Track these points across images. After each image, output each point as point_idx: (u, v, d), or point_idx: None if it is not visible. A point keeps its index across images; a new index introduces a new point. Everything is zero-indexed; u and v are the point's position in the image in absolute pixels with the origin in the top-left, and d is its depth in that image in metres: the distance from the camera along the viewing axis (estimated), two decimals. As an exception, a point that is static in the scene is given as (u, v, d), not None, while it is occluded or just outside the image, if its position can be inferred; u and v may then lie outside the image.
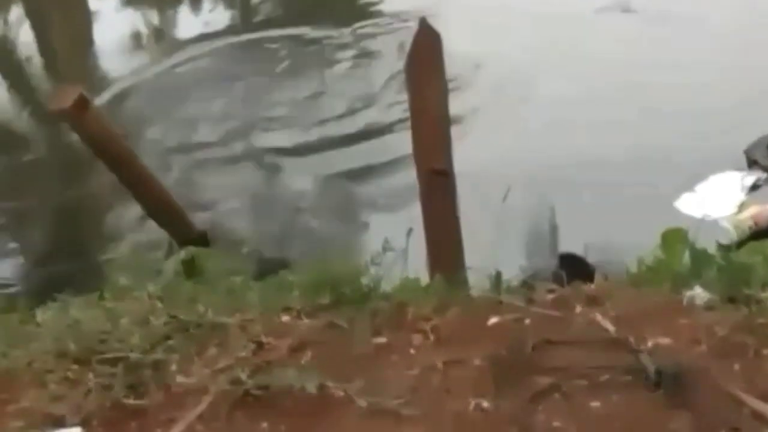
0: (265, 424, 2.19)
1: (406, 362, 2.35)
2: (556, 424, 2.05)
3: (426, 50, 2.98)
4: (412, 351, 2.40)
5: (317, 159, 4.74)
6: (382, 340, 2.46)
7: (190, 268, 3.06)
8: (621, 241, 3.36)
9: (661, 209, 3.78)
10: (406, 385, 2.24)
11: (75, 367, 2.44)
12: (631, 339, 2.28)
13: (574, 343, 2.30)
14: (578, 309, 2.49)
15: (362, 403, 2.19)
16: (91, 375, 2.39)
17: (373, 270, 2.70)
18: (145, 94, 5.68)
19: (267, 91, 5.48)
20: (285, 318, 2.60)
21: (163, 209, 3.84)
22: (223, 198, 4.61)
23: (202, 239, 3.84)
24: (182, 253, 3.16)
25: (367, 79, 5.47)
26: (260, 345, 2.46)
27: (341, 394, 2.22)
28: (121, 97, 5.67)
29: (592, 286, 2.64)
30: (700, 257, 2.63)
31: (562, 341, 2.31)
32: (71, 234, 4.41)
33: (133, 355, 2.42)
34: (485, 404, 2.15)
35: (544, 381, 2.18)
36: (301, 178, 4.63)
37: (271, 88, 5.52)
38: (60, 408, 2.30)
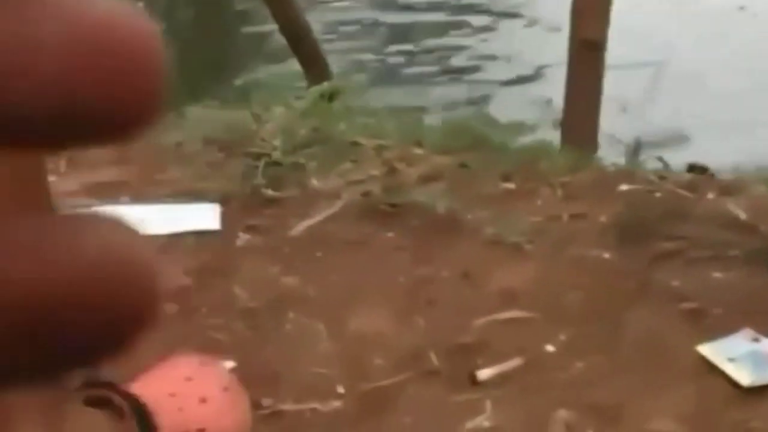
0: (391, 234, 2.29)
1: (532, 209, 2.41)
2: (674, 284, 2.10)
3: None
4: (539, 201, 2.46)
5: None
6: (510, 185, 2.52)
7: (331, 97, 3.15)
8: None
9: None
10: (530, 228, 2.31)
11: (220, 154, 2.58)
12: (762, 227, 2.30)
13: (703, 220, 2.33)
14: (710, 195, 2.51)
15: (488, 231, 2.27)
16: (234, 164, 2.53)
17: (507, 125, 2.76)
18: None
19: None
20: (418, 151, 2.69)
21: (305, 45, 3.93)
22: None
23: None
24: (325, 84, 3.25)
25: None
26: (392, 169, 2.55)
27: (468, 219, 2.31)
28: None
29: (726, 176, 2.65)
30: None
31: (690, 217, 2.35)
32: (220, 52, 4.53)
33: (275, 154, 2.55)
34: (606, 255, 2.21)
35: (668, 246, 2.23)
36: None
37: None
38: (203, 186, 2.44)
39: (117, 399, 1.08)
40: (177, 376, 1.40)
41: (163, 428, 1.15)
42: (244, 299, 2.07)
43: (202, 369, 1.47)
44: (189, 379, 1.40)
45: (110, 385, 1.08)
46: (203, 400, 1.41)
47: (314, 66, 4.08)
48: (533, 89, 3.76)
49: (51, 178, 2.56)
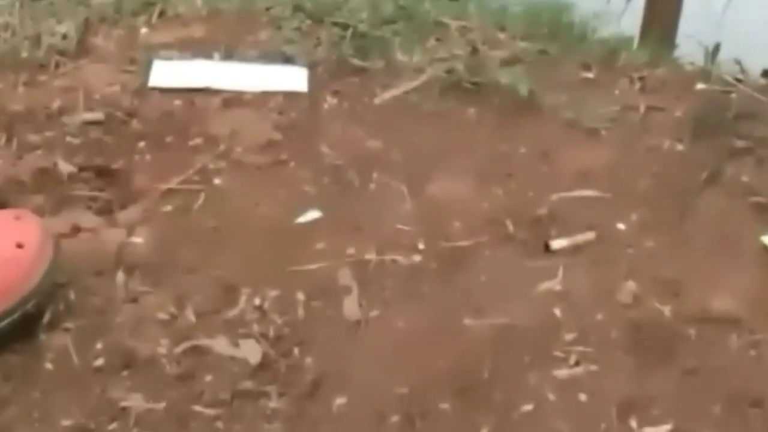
0: (472, 110, 2.37)
1: (610, 98, 2.47)
2: (744, 179, 2.17)
3: None
4: (616, 91, 2.51)
5: None
6: (589, 75, 2.58)
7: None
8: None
9: None
10: (607, 115, 2.38)
11: (308, 22, 2.65)
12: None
13: (776, 123, 2.39)
14: (786, 101, 2.56)
15: (566, 115, 2.35)
16: (322, 31, 2.61)
17: (593, 16, 2.80)
18: None
19: None
20: (501, 35, 2.74)
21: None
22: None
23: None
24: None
25: None
26: (475, 50, 2.61)
27: (547, 102, 2.38)
28: None
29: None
30: None
31: (764, 118, 2.40)
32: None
33: (362, 26, 2.61)
34: (680, 147, 2.28)
35: (740, 144, 2.29)
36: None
37: None
38: (292, 49, 2.52)
39: None
40: None
41: None
42: (330, 156, 2.17)
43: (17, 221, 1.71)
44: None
45: None
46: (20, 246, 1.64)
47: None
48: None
49: (143, 30, 2.66)
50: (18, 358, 1.66)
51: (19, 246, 1.65)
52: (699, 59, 2.71)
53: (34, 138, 2.15)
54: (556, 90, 2.44)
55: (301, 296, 1.82)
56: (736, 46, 2.86)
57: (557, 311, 1.82)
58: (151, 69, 2.39)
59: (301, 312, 1.80)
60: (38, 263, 1.66)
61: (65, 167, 2.04)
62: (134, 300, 1.78)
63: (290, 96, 2.37)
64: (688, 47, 2.79)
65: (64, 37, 2.53)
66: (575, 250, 1.96)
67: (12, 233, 1.65)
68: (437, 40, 2.65)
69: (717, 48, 2.61)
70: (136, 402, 1.61)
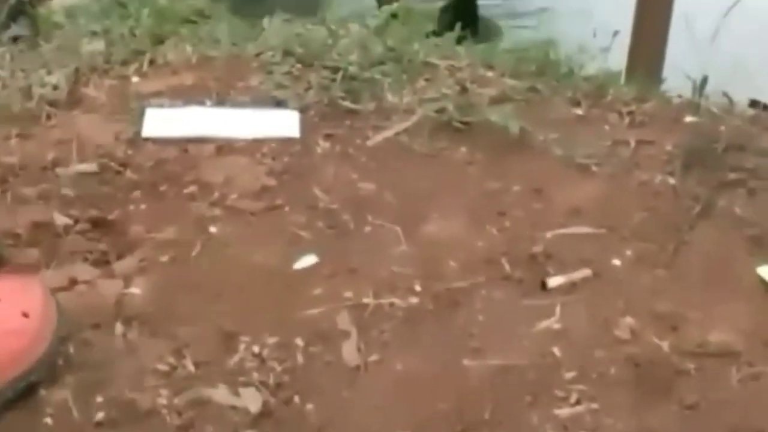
0: (464, 149, 2.38)
1: (600, 134, 2.49)
2: (737, 211, 2.19)
3: None
4: (606, 127, 2.54)
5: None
6: (579, 111, 2.60)
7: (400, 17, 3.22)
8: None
9: None
10: (598, 151, 2.40)
11: (299, 66, 2.67)
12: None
13: (765, 153, 2.41)
14: (772, 130, 2.58)
15: (557, 151, 2.36)
16: (312, 75, 2.62)
17: (579, 52, 2.83)
18: None
19: None
20: (490, 74, 2.77)
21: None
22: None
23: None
24: (394, 5, 3.32)
25: None
26: (464, 89, 2.63)
27: (538, 139, 2.39)
28: None
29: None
30: None
31: (754, 149, 2.42)
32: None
33: (351, 69, 2.63)
34: (671, 181, 2.30)
35: (731, 176, 2.31)
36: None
37: None
38: (283, 94, 2.54)
39: None
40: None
41: None
42: (325, 200, 2.18)
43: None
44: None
45: None
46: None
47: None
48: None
49: (134, 79, 2.67)
50: (17, 414, 1.65)
51: (25, 315, 1.65)
52: (687, 91, 2.74)
53: (28, 191, 2.16)
54: (547, 127, 2.46)
55: (300, 342, 1.82)
56: (723, 75, 2.89)
57: (556, 350, 1.82)
58: (144, 118, 2.41)
59: (300, 358, 1.79)
60: (43, 331, 1.67)
61: (61, 219, 2.04)
62: (133, 351, 1.78)
63: (283, 141, 2.38)
64: (676, 80, 2.82)
65: (55, 87, 2.55)
66: (572, 287, 1.96)
67: (18, 301, 1.65)
68: (426, 80, 2.67)
69: (704, 81, 2.63)
70: (137, 455, 1.60)
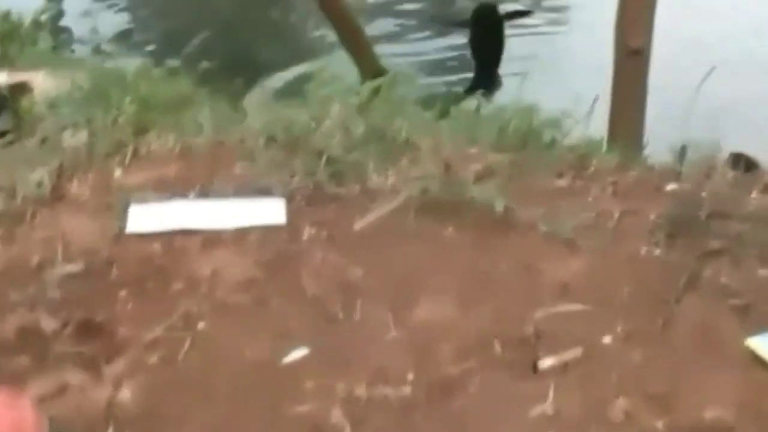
0: (450, 229, 2.39)
1: (584, 206, 2.50)
2: (722, 280, 2.19)
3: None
4: (590, 198, 2.55)
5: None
6: (562, 183, 2.62)
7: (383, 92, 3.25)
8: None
9: None
10: (582, 224, 2.40)
11: (282, 151, 2.69)
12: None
13: (748, 219, 2.42)
14: (754, 194, 2.59)
15: (542, 228, 2.37)
16: (297, 160, 2.64)
17: (560, 122, 2.86)
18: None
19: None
20: (472, 150, 2.79)
21: (354, 40, 4.04)
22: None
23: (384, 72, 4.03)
24: (376, 81, 3.35)
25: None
26: (448, 167, 2.64)
27: (523, 215, 2.40)
28: None
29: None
30: None
31: (737, 215, 2.44)
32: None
33: (335, 152, 2.65)
34: (657, 252, 2.30)
35: (715, 244, 2.32)
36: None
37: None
38: (268, 182, 2.55)
39: None
40: None
41: None
42: (313, 289, 2.17)
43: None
44: None
45: None
46: None
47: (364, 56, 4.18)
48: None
49: (117, 172, 2.67)
50: None
51: None
52: (668, 157, 2.76)
53: (15, 295, 2.15)
54: (531, 202, 2.47)
55: (293, 440, 1.81)
56: (707, 124, 2.93)
57: (551, 436, 1.82)
58: (128, 214, 2.41)
59: (294, 457, 1.78)
60: None
61: (48, 324, 2.04)
62: (125, 458, 1.77)
63: (269, 229, 2.38)
64: (656, 144, 2.85)
65: (39, 185, 2.55)
66: (563, 368, 1.96)
67: (8, 423, 1.63)
68: (410, 159, 2.69)
69: (684, 149, 2.66)
70: None
